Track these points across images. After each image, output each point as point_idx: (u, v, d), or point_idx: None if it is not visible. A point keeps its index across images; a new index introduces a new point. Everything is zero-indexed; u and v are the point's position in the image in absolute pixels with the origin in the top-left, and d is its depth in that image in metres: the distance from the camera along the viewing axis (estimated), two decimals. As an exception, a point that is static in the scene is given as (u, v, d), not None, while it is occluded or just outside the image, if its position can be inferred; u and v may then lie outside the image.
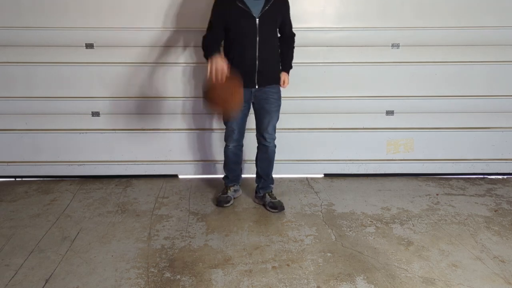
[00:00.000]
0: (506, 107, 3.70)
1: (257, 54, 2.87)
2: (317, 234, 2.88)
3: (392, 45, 3.56)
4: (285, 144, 3.72)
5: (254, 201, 3.33)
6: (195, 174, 3.81)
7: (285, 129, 3.70)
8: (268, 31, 2.90)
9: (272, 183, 3.30)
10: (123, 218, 3.08)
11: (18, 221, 3.03)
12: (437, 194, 3.48)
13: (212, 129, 3.70)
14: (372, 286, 2.35)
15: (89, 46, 3.48)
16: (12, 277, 2.41)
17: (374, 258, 2.60)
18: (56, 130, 3.66)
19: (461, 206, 3.29)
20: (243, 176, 3.48)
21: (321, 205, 3.30)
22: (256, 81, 2.93)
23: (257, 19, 2.83)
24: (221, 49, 2.97)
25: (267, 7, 2.85)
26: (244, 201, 3.35)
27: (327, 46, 3.54)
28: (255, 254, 2.64)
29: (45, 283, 2.36)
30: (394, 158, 3.81)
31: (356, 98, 3.66)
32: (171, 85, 3.59)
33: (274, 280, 2.39)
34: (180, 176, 3.82)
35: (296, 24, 3.48)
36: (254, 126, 3.16)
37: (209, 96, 2.69)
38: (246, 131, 3.20)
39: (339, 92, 3.65)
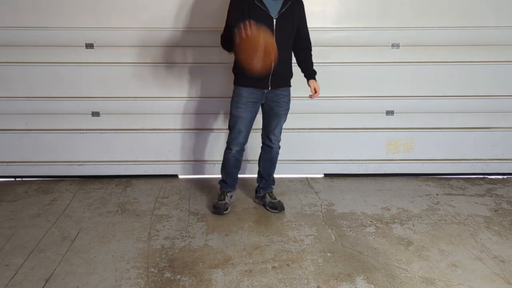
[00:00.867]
0: (506, 107, 3.70)
1: None
2: (317, 234, 2.88)
3: (392, 45, 3.56)
4: (285, 144, 3.71)
5: (254, 201, 3.33)
6: (195, 174, 3.81)
7: (285, 129, 3.68)
8: (285, 33, 2.86)
9: (273, 184, 3.29)
10: (123, 218, 3.08)
11: (18, 221, 3.03)
12: (437, 194, 3.48)
13: (212, 129, 3.70)
14: (372, 286, 2.35)
15: (89, 46, 3.48)
16: (12, 277, 2.41)
17: (374, 258, 2.60)
18: (56, 130, 3.66)
19: (461, 206, 3.29)
20: (243, 176, 3.47)
21: (321, 205, 3.30)
22: (269, 82, 2.90)
23: (275, 20, 2.80)
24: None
25: (284, 9, 2.82)
26: (244, 201, 3.35)
27: (327, 46, 3.54)
28: (255, 254, 2.64)
29: (45, 283, 2.36)
30: (394, 158, 3.81)
31: (356, 98, 3.66)
32: (171, 85, 3.59)
33: (274, 280, 2.39)
34: (180, 176, 3.82)
35: (296, 24, 3.49)
36: (254, 127, 3.15)
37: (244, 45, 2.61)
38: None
39: (339, 92, 3.65)
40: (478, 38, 3.54)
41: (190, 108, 3.64)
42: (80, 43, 3.47)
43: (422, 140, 3.77)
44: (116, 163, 3.76)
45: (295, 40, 2.98)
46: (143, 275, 2.43)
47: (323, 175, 3.84)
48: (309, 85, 3.06)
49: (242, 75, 2.88)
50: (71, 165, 3.74)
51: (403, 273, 2.45)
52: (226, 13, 2.89)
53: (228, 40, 2.83)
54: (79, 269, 2.49)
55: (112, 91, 3.59)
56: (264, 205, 3.24)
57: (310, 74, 3.06)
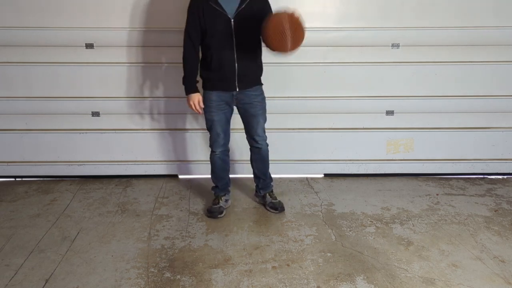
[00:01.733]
0: (506, 107, 3.70)
1: (235, 56, 2.79)
2: (317, 234, 2.88)
3: (392, 45, 3.56)
4: (285, 144, 3.73)
5: (255, 200, 3.32)
6: (195, 174, 3.82)
7: (285, 129, 3.70)
8: (246, 32, 2.78)
9: (271, 181, 3.28)
10: (123, 218, 3.08)
11: (18, 221, 3.03)
12: (437, 194, 3.48)
13: (212, 129, 3.70)
14: (372, 286, 2.35)
15: (89, 46, 3.48)
16: (12, 277, 2.41)
17: (374, 258, 2.60)
18: (56, 130, 3.66)
19: (461, 206, 3.28)
20: (238, 176, 3.46)
21: (321, 205, 3.30)
22: (236, 84, 2.86)
23: (232, 20, 2.75)
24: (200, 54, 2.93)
25: (242, 7, 2.75)
26: (244, 201, 3.35)
27: (327, 46, 3.54)
28: (255, 254, 2.64)
29: (45, 283, 2.36)
30: (394, 158, 3.81)
31: (356, 98, 3.66)
32: (171, 85, 3.58)
33: (274, 280, 2.39)
34: (180, 176, 3.82)
35: (296, 24, 3.48)
36: (238, 126, 3.14)
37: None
38: (232, 131, 3.15)
39: (339, 92, 3.65)
40: (478, 38, 3.53)
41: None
42: (80, 43, 3.47)
43: (422, 140, 3.77)
44: (116, 163, 3.76)
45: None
46: (143, 275, 2.43)
47: (323, 175, 3.84)
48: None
49: (208, 80, 2.90)
50: (71, 165, 3.74)
51: (403, 273, 2.45)
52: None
53: (185, 72, 2.86)
54: (79, 269, 2.49)
55: (112, 91, 3.59)
56: (264, 205, 3.24)
57: None
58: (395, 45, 3.55)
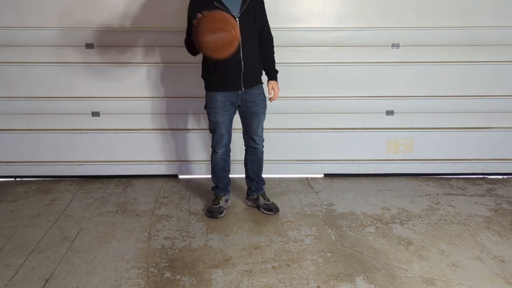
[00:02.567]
0: (506, 107, 3.70)
1: (241, 55, 2.79)
2: (317, 234, 2.88)
3: (392, 45, 3.56)
4: (285, 144, 3.73)
5: (246, 204, 3.30)
6: (195, 174, 3.82)
7: (285, 129, 3.70)
8: (249, 31, 2.81)
9: (264, 184, 3.27)
10: (123, 218, 3.08)
11: (18, 221, 3.03)
12: (437, 194, 3.48)
13: (212, 129, 3.71)
14: (372, 286, 2.35)
15: (89, 46, 3.48)
16: (12, 277, 2.41)
17: (374, 258, 2.60)
18: (56, 130, 3.66)
19: (461, 206, 3.28)
20: (238, 176, 3.46)
21: (321, 205, 3.30)
22: (241, 83, 2.87)
23: (237, 19, 2.74)
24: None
25: (245, 6, 2.77)
26: (244, 201, 3.34)
27: (327, 46, 3.54)
28: (255, 254, 2.64)
29: (45, 283, 2.36)
30: (394, 158, 3.81)
31: (356, 98, 3.66)
32: (171, 85, 3.59)
33: (274, 280, 2.39)
34: (180, 176, 3.82)
35: (296, 24, 3.49)
36: (238, 126, 3.13)
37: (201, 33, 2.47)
38: (232, 131, 3.12)
39: (339, 92, 3.65)
40: (478, 38, 3.54)
41: (191, 108, 3.64)
42: (80, 43, 3.47)
43: (422, 140, 3.77)
44: (116, 163, 3.76)
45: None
46: (143, 275, 2.43)
47: (323, 175, 3.84)
48: (267, 86, 3.02)
49: (213, 80, 2.89)
50: (71, 165, 3.74)
51: (403, 273, 2.45)
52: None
53: (192, 49, 2.81)
54: (79, 269, 2.49)
55: (112, 91, 3.59)
56: (257, 207, 3.21)
57: (270, 74, 3.03)
58: (395, 45, 3.55)
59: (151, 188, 3.59)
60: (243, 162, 3.22)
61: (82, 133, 3.67)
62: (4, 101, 3.58)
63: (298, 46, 3.51)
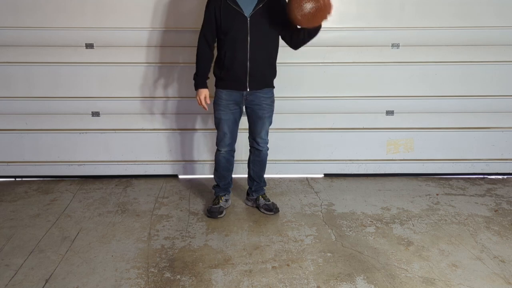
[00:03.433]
0: (506, 107, 3.70)
1: (248, 55, 2.79)
2: (317, 234, 2.88)
3: (392, 45, 3.56)
4: (285, 144, 3.73)
5: (246, 204, 3.30)
6: (195, 174, 3.81)
7: (285, 129, 3.70)
8: (261, 32, 2.80)
9: (265, 185, 3.27)
10: (123, 218, 3.08)
11: (18, 221, 3.03)
12: (437, 194, 3.48)
13: (212, 129, 3.70)
14: (372, 286, 2.35)
15: (89, 46, 3.48)
16: (12, 277, 2.41)
17: (374, 258, 2.60)
18: (56, 130, 3.66)
19: (461, 206, 3.28)
20: (239, 176, 3.46)
21: (321, 205, 3.30)
22: (247, 84, 2.87)
23: (248, 19, 2.76)
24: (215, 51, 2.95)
25: (259, 7, 2.78)
26: (244, 202, 3.34)
27: (327, 46, 3.54)
28: (255, 254, 2.64)
29: (45, 283, 2.36)
30: (394, 158, 3.81)
31: (356, 98, 3.66)
32: (171, 85, 3.59)
33: (274, 280, 2.39)
34: (180, 176, 3.82)
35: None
36: (242, 126, 3.14)
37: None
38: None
39: (339, 92, 3.65)
40: (479, 38, 3.54)
41: (191, 108, 3.63)
42: (80, 43, 3.47)
43: (422, 140, 3.77)
44: (116, 163, 3.76)
45: (287, 36, 2.87)
46: (143, 275, 2.43)
47: (323, 175, 3.84)
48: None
49: (221, 78, 2.91)
50: (71, 165, 3.74)
51: (403, 273, 2.45)
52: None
53: (197, 68, 2.90)
54: (79, 269, 2.49)
55: (112, 91, 3.59)
56: (257, 207, 3.21)
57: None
58: (395, 45, 3.55)
59: (151, 188, 3.59)
60: (247, 161, 3.22)
61: (82, 133, 3.67)
62: (4, 101, 3.58)
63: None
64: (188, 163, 3.80)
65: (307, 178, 3.79)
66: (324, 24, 3.47)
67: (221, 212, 3.11)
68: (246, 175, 3.28)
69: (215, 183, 3.22)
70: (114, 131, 3.69)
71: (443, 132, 3.75)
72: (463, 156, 3.81)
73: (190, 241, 2.78)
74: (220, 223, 3.01)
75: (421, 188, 3.60)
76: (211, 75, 2.98)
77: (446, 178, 3.81)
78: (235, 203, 3.31)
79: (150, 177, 3.78)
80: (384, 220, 3.06)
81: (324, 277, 2.42)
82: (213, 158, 3.74)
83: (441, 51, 3.57)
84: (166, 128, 3.70)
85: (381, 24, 3.51)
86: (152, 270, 2.48)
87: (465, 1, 3.47)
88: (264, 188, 3.27)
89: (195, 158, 3.78)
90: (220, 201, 3.16)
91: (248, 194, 3.30)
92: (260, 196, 3.22)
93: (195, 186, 3.64)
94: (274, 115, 3.51)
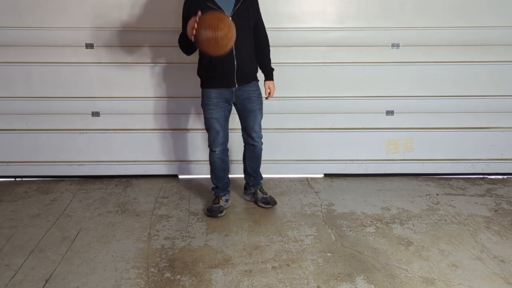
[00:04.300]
0: (506, 107, 3.70)
1: (234, 53, 2.81)
2: (317, 234, 2.88)
3: (392, 45, 3.56)
4: (285, 144, 3.73)
5: (244, 198, 3.34)
6: (195, 174, 3.82)
7: (285, 129, 3.70)
8: (243, 30, 2.82)
9: (261, 179, 3.32)
10: (123, 218, 3.08)
11: (18, 221, 3.03)
12: (437, 194, 3.48)
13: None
14: (372, 286, 2.35)
15: (89, 46, 3.48)
16: (12, 277, 2.41)
17: (374, 258, 2.60)
18: (56, 130, 3.66)
19: (461, 206, 3.28)
20: (238, 176, 3.46)
21: (321, 205, 3.30)
22: (235, 80, 2.90)
23: (230, 18, 2.74)
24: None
25: (238, 5, 2.81)
26: (244, 201, 3.35)
27: (327, 46, 3.54)
28: (255, 254, 2.64)
29: (45, 283, 2.36)
30: (394, 158, 3.81)
31: (356, 98, 3.66)
32: (172, 85, 3.59)
33: (274, 280, 2.39)
34: (180, 176, 3.82)
35: (296, 24, 3.49)
36: (237, 126, 3.14)
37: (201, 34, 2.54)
38: (230, 131, 3.15)
39: (339, 92, 3.65)
40: (478, 38, 3.54)
41: (191, 108, 3.64)
42: (80, 43, 3.47)
43: (422, 140, 3.77)
44: (116, 163, 3.76)
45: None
46: (143, 275, 2.43)
47: (323, 175, 3.84)
48: (264, 86, 3.08)
49: (207, 77, 2.93)
50: (71, 165, 3.74)
51: (403, 273, 2.45)
52: None
53: (186, 47, 2.85)
54: (79, 269, 2.49)
55: (112, 91, 3.59)
56: (255, 202, 3.26)
57: (266, 73, 3.08)
58: (395, 45, 3.55)
59: (151, 188, 3.59)
60: (242, 158, 3.24)
61: (82, 133, 3.67)
62: (4, 101, 3.58)
63: (298, 46, 3.51)
64: (188, 163, 3.80)
65: (307, 178, 3.80)
66: (324, 24, 3.51)
67: (221, 212, 3.11)
68: (243, 175, 3.30)
69: (214, 185, 3.23)
70: (114, 131, 3.69)
71: (443, 132, 3.75)
72: (463, 156, 3.82)
73: (190, 241, 2.78)
74: (220, 223, 3.01)
75: (421, 188, 3.60)
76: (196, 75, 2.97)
77: (446, 178, 3.81)
78: (235, 203, 3.31)
79: (150, 177, 3.78)
80: (384, 220, 3.06)
81: (324, 277, 2.42)
82: (213, 158, 3.75)
83: (441, 51, 3.57)
84: (166, 128, 3.70)
85: (381, 24, 3.51)
86: (152, 270, 2.48)
87: (465, 1, 3.47)
88: (261, 181, 3.31)
89: (195, 158, 3.78)
90: (220, 200, 3.17)
91: (245, 188, 3.34)
92: (258, 190, 3.27)
93: (195, 186, 3.64)
94: (274, 115, 3.53)
